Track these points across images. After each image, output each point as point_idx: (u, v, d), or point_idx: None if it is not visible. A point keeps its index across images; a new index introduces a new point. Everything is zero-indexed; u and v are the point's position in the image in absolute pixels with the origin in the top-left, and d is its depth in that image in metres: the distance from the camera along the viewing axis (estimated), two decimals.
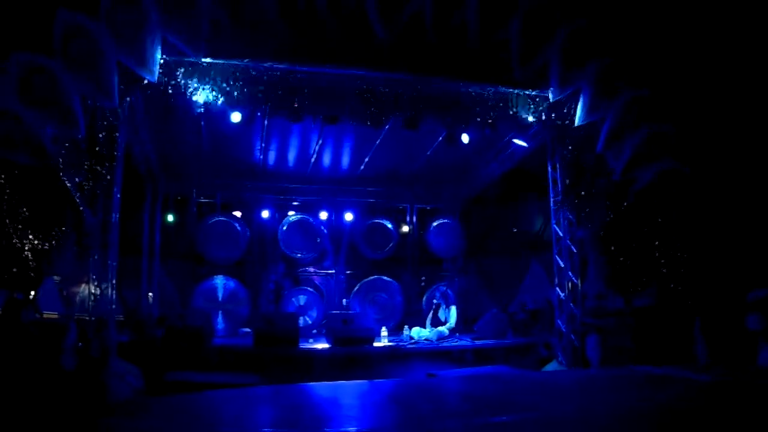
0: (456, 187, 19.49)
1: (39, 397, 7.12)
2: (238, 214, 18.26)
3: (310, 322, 17.19)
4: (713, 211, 11.18)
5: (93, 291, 9.76)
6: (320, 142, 15.01)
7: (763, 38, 11.60)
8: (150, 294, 16.33)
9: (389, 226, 19.34)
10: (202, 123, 12.75)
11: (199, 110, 11.02)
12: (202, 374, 11.11)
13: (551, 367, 12.71)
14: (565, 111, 12.09)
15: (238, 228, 17.55)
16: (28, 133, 8.31)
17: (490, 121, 12.13)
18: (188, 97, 10.64)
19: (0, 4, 9.43)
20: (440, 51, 11.40)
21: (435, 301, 15.67)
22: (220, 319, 16.11)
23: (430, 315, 15.25)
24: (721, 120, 12.04)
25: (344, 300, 18.08)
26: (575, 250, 12.72)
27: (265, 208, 18.49)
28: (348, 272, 19.15)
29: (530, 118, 12.26)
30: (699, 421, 6.69)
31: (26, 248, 8.49)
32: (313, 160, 16.43)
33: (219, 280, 16.55)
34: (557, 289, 13.08)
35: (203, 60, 10.51)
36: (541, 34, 11.26)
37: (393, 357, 12.79)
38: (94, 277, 9.71)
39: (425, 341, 14.17)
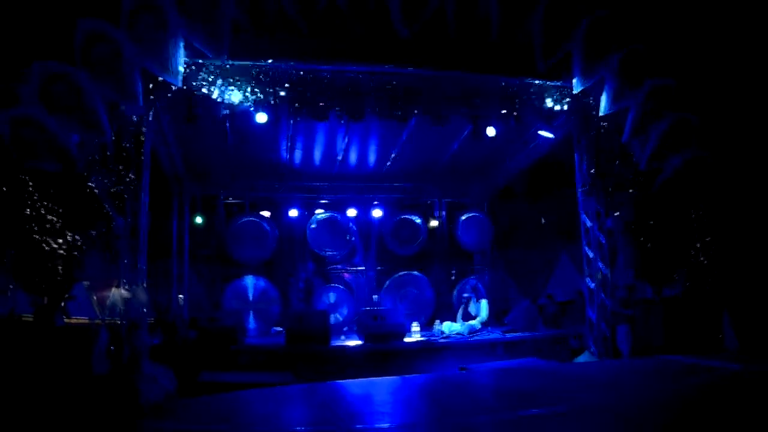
0: (483, 180, 19.41)
1: (71, 402, 7.18)
2: (266, 214, 18.32)
3: (341, 319, 17.22)
4: (741, 200, 11.06)
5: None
6: (346, 139, 15.03)
7: None
8: (180, 296, 16.43)
9: (418, 221, 19.26)
10: (228, 124, 12.75)
11: (224, 112, 11.03)
12: (235, 374, 11.21)
13: (583, 358, 12.65)
14: (589, 101, 12.02)
15: (267, 228, 17.62)
16: (53, 140, 8.40)
17: (515, 113, 12.10)
18: (212, 99, 10.69)
19: (21, 13, 9.53)
20: (463, 45, 11.34)
21: (465, 294, 15.63)
22: (251, 318, 16.19)
23: (461, 309, 15.25)
24: (748, 108, 11.92)
25: (375, 296, 18.10)
26: (604, 240, 12.61)
27: (293, 207, 18.53)
28: (378, 268, 19.15)
29: (555, 108, 12.23)
30: (730, 410, 6.65)
31: (56, 254, 8.54)
32: (339, 158, 16.46)
33: (249, 280, 16.64)
34: (587, 279, 12.97)
35: (226, 62, 10.51)
36: (563, 24, 11.21)
37: (425, 352, 12.80)
38: (125, 280, 9.79)
39: (457, 335, 14.15)
